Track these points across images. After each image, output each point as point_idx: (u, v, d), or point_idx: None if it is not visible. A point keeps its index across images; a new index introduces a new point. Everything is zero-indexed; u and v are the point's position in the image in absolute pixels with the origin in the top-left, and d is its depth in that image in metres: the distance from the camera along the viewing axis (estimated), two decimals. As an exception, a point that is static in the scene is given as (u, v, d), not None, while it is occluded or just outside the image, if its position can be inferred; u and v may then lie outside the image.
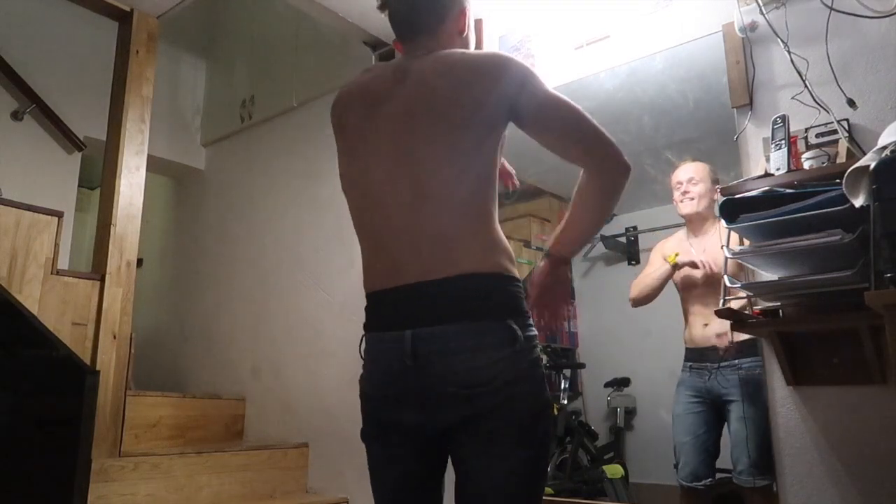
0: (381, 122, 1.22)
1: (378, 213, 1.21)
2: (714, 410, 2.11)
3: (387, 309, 1.19)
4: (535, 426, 1.13)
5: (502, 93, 1.18)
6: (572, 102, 1.21)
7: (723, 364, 2.08)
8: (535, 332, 1.18)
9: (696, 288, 2.18)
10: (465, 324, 1.11)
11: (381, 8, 1.34)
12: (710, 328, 2.10)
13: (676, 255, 2.23)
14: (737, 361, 2.05)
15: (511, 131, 1.27)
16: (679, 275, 2.24)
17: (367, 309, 1.24)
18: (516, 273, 1.19)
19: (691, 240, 2.23)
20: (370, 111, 1.24)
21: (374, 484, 1.24)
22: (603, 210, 1.23)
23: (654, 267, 2.31)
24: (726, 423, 2.08)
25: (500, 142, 1.25)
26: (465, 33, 1.34)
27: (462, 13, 1.33)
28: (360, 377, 1.26)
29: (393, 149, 1.20)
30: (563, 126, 1.21)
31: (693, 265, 2.19)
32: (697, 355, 2.16)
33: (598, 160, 1.20)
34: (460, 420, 1.12)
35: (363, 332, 1.25)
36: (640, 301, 2.32)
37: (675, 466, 2.13)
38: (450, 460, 1.22)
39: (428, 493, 1.22)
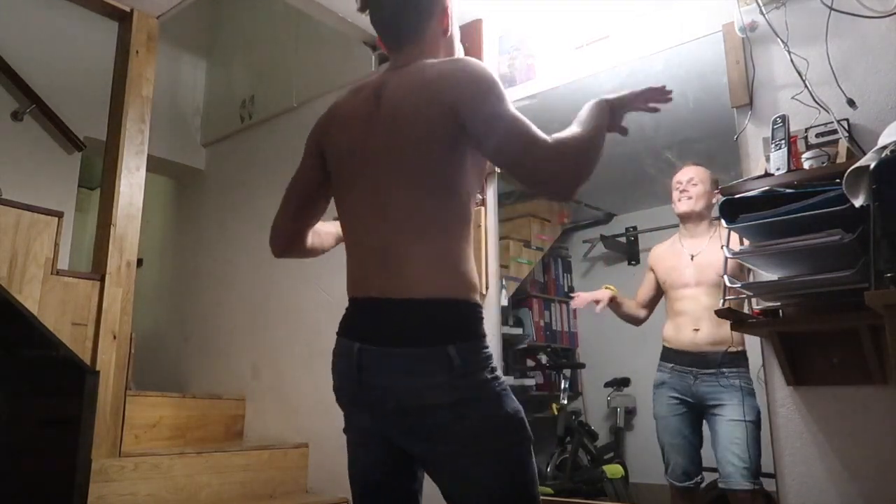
0: (360, 143, 1.23)
1: (356, 230, 1.25)
2: (695, 411, 2.13)
3: (349, 317, 1.24)
4: (496, 439, 1.13)
5: (453, 96, 1.14)
6: (524, 124, 1.10)
7: (707, 371, 2.09)
8: (485, 353, 1.15)
9: (688, 288, 2.18)
10: (403, 349, 1.13)
11: (362, 9, 1.32)
12: (702, 335, 2.11)
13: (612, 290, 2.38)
14: (725, 370, 2.07)
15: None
16: (665, 275, 2.25)
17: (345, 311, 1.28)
18: (470, 296, 1.17)
19: (684, 241, 2.23)
20: (353, 134, 1.26)
21: (350, 474, 1.28)
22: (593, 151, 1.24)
23: (644, 283, 2.34)
24: (708, 426, 2.10)
25: (471, 160, 1.19)
26: (449, 33, 1.32)
27: (444, 13, 1.31)
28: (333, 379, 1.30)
29: (367, 172, 1.22)
30: (498, 145, 1.11)
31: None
32: (683, 358, 2.16)
33: (561, 190, 1.14)
34: (407, 430, 1.15)
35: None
36: (637, 324, 2.40)
37: (665, 468, 2.14)
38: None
39: (400, 481, 1.24)
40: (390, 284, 1.16)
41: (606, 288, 2.39)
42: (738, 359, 2.06)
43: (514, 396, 1.17)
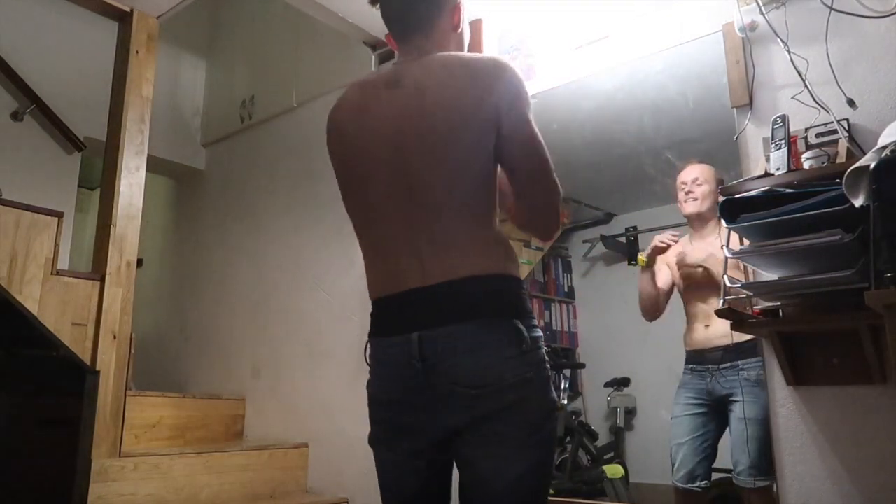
0: (377, 130, 1.21)
1: (379, 224, 1.21)
2: (715, 412, 2.10)
3: (392, 314, 1.19)
4: (543, 427, 1.13)
5: (497, 97, 1.17)
6: (546, 153, 1.21)
7: (724, 366, 2.08)
8: (540, 333, 1.17)
9: (698, 289, 2.18)
10: (471, 323, 1.11)
11: (373, 2, 1.33)
12: (712, 329, 2.10)
13: (645, 257, 2.27)
14: (739, 363, 2.05)
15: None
16: (679, 275, 2.24)
17: (372, 315, 1.24)
18: (518, 272, 1.19)
19: (695, 243, 2.23)
20: (364, 123, 1.23)
21: (383, 488, 1.24)
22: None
23: (662, 271, 2.31)
24: (728, 424, 2.08)
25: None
26: (460, 29, 1.32)
27: (456, 8, 1.31)
28: (367, 383, 1.25)
29: (389, 158, 1.19)
30: (527, 171, 1.20)
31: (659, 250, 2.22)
32: (698, 357, 2.16)
33: (534, 223, 1.25)
34: (468, 421, 1.12)
35: (367, 339, 1.25)
36: (650, 314, 2.31)
37: (672, 468, 2.13)
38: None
39: (436, 495, 1.22)
40: (436, 270, 1.13)
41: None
42: (751, 349, 2.02)
43: None
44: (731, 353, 2.06)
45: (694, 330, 2.18)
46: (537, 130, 1.20)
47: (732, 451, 2.02)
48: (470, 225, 1.16)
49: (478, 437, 1.12)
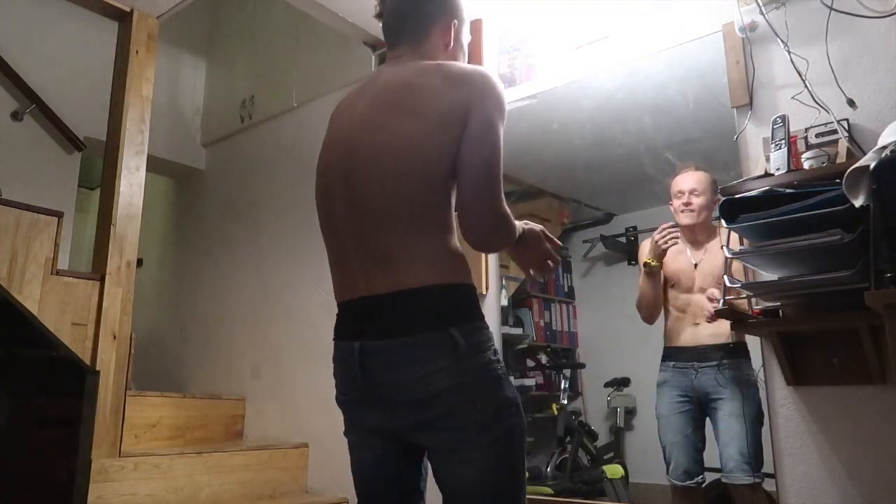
0: (337, 133, 1.24)
1: (331, 226, 1.25)
2: (698, 408, 2.12)
3: (342, 320, 1.24)
4: (495, 426, 1.14)
5: (459, 102, 1.16)
6: (496, 164, 1.17)
7: (709, 364, 2.09)
8: (486, 335, 1.17)
9: (691, 293, 2.18)
10: (404, 338, 1.13)
11: (378, 17, 1.35)
12: (702, 328, 2.10)
13: (654, 261, 2.21)
14: (725, 362, 2.07)
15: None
16: (674, 277, 2.24)
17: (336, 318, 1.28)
18: (465, 279, 1.18)
19: (688, 248, 2.23)
20: (333, 125, 1.27)
21: (353, 475, 1.28)
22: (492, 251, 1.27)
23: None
24: (710, 421, 2.10)
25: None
26: (451, 48, 1.32)
27: (448, 27, 1.31)
28: (335, 385, 1.29)
29: (340, 162, 1.22)
30: (470, 177, 1.16)
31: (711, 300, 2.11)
32: (679, 354, 2.16)
33: (470, 231, 1.18)
34: (416, 424, 1.15)
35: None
36: (650, 316, 2.28)
37: (667, 467, 2.14)
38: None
39: (404, 482, 1.24)
40: (382, 280, 1.15)
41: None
42: (738, 351, 2.05)
43: (511, 382, 1.19)
44: (720, 353, 2.07)
45: (681, 327, 2.18)
46: (499, 140, 1.17)
47: (721, 450, 2.03)
48: (414, 236, 1.16)
49: (433, 446, 1.16)
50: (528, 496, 1.20)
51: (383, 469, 1.23)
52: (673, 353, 2.20)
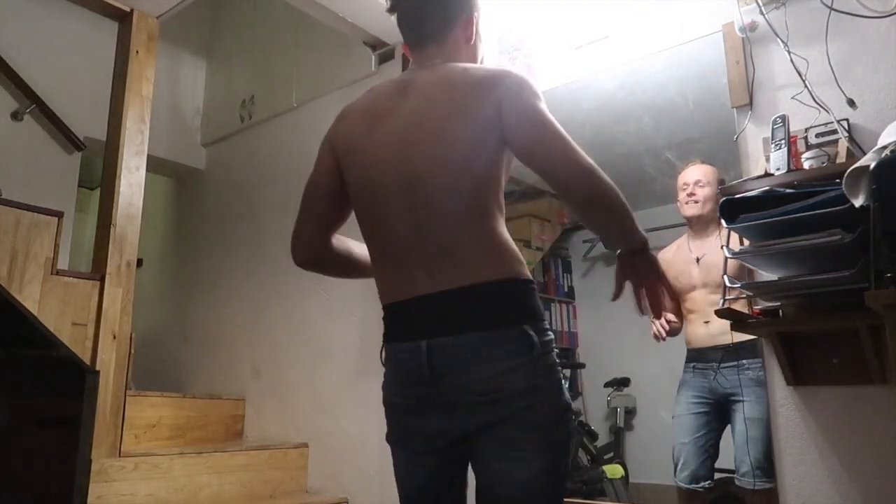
0: (385, 136, 1.23)
1: (385, 226, 1.22)
2: (717, 411, 2.10)
3: (402, 320, 1.21)
4: (556, 430, 1.14)
5: (498, 95, 1.17)
6: (561, 131, 1.14)
7: (726, 364, 2.08)
8: (551, 335, 1.17)
9: (695, 290, 2.18)
10: (479, 333, 1.11)
11: (391, 11, 1.35)
12: (712, 326, 2.09)
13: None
14: (745, 362, 2.04)
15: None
16: (674, 280, 2.24)
17: (384, 319, 1.26)
18: (528, 275, 1.19)
19: (691, 244, 2.22)
20: (374, 128, 1.25)
21: (400, 487, 1.26)
22: (612, 219, 1.17)
23: None
24: (730, 424, 2.07)
25: (507, 154, 1.22)
26: (473, 41, 1.34)
27: (470, 21, 1.33)
28: (382, 385, 1.27)
29: (395, 162, 1.20)
30: (542, 152, 1.14)
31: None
32: (700, 355, 2.15)
33: (577, 199, 1.14)
34: (479, 425, 1.13)
35: (382, 342, 1.26)
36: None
37: (675, 468, 2.13)
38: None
39: (452, 495, 1.23)
40: (444, 277, 1.14)
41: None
42: (753, 348, 2.02)
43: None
44: (734, 351, 2.05)
45: (693, 327, 2.18)
46: (551, 116, 1.16)
47: (735, 452, 2.02)
48: (474, 229, 1.16)
49: (489, 441, 1.13)
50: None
51: (430, 486, 1.22)
52: (693, 355, 2.19)
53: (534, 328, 1.12)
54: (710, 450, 2.10)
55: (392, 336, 1.22)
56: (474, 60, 1.36)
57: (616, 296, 1.22)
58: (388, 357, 1.23)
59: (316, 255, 1.36)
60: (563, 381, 1.16)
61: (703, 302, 2.13)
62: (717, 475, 2.07)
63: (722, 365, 2.08)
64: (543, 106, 1.18)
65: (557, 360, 1.16)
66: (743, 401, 2.03)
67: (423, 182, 1.17)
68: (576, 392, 2.71)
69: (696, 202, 2.18)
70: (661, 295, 1.21)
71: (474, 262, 1.14)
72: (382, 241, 1.24)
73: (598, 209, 1.15)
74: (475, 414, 1.12)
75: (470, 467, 1.22)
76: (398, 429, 1.24)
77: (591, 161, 1.12)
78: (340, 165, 1.30)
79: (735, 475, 2.00)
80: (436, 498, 1.22)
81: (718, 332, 2.08)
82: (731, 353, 2.06)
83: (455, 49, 1.31)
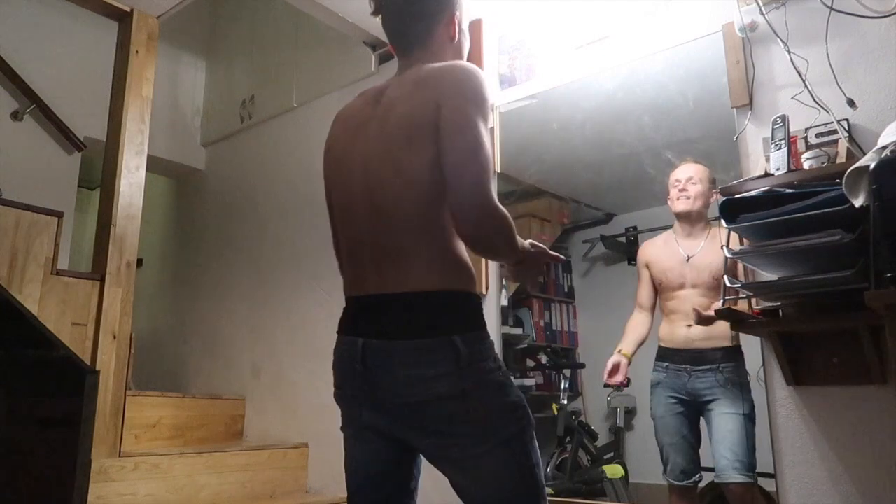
0: (358, 145, 1.26)
1: (347, 229, 1.27)
2: (692, 409, 2.13)
3: (348, 315, 1.26)
4: (504, 427, 1.15)
5: (437, 95, 1.17)
6: (484, 151, 1.13)
7: (702, 367, 2.09)
8: (487, 344, 1.18)
9: (683, 289, 2.18)
10: (408, 341, 1.14)
11: (375, 13, 1.37)
12: (695, 330, 2.10)
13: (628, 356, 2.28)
14: (721, 366, 2.07)
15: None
16: (661, 275, 2.24)
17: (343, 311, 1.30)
18: (469, 288, 1.20)
19: (680, 241, 2.22)
20: (352, 135, 1.28)
21: (345, 469, 1.29)
22: (494, 255, 1.25)
23: (642, 283, 2.31)
24: (704, 422, 2.11)
25: None
26: (457, 39, 1.35)
27: (451, 20, 1.34)
28: (333, 380, 1.30)
29: (361, 172, 1.24)
30: (450, 163, 1.13)
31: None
32: (677, 356, 2.16)
33: (463, 232, 1.16)
34: (414, 428, 1.16)
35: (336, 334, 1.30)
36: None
37: (664, 467, 2.14)
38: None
39: (395, 480, 1.24)
40: (390, 280, 1.17)
41: (619, 353, 2.30)
42: (733, 354, 2.06)
43: (515, 385, 1.20)
44: (714, 356, 2.07)
45: (674, 328, 2.18)
46: (478, 134, 1.14)
47: (713, 449, 2.04)
48: (421, 237, 1.18)
49: (433, 443, 1.17)
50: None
51: (375, 465, 1.23)
52: (667, 355, 2.20)
53: (463, 339, 1.13)
54: (695, 444, 2.13)
55: (340, 327, 1.27)
56: (460, 55, 1.36)
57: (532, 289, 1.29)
58: (334, 348, 1.27)
59: None
60: (505, 384, 1.17)
61: (689, 303, 2.12)
62: (708, 476, 2.09)
63: (698, 368, 2.10)
64: (476, 113, 1.15)
65: (497, 366, 1.17)
66: (717, 399, 2.06)
67: (379, 192, 1.20)
68: (576, 392, 2.71)
69: (688, 198, 2.19)
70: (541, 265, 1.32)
71: (417, 271, 1.16)
72: (348, 241, 1.28)
73: (482, 249, 1.23)
74: (404, 417, 1.16)
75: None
76: (343, 415, 1.28)
77: (493, 201, 1.13)
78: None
79: (715, 472, 2.02)
80: (375, 479, 1.24)
81: (698, 336, 2.09)
82: (709, 357, 2.08)
83: (440, 49, 1.32)
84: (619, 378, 2.28)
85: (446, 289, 1.17)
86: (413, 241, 1.17)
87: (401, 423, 1.17)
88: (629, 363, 2.28)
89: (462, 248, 1.21)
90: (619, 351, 2.29)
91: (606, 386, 2.32)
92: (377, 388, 1.16)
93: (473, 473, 1.14)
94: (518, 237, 1.21)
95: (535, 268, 1.32)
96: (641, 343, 2.30)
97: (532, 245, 1.28)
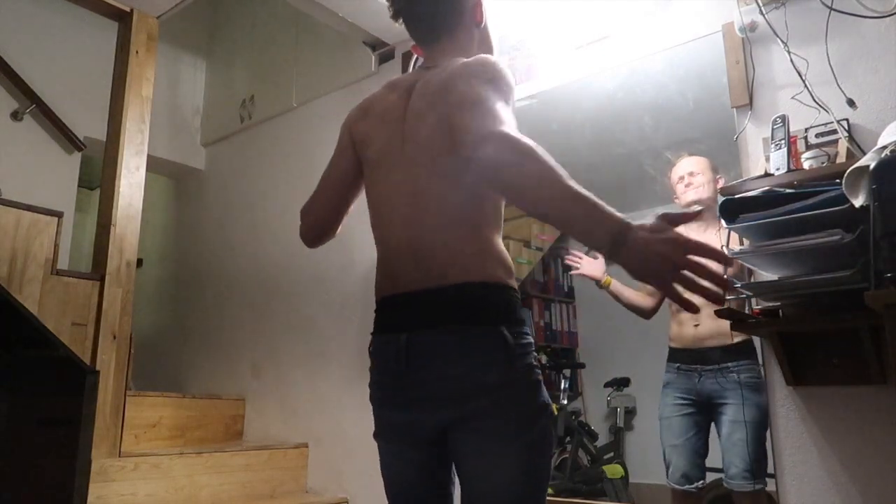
0: (393, 138, 1.26)
1: (385, 225, 1.26)
2: (703, 411, 2.11)
3: (387, 313, 1.24)
4: (531, 428, 1.14)
5: (457, 81, 1.17)
6: (492, 103, 1.08)
7: (712, 367, 2.08)
8: (529, 339, 1.18)
9: None
10: (456, 330, 1.13)
11: (395, 17, 1.37)
12: (702, 329, 2.10)
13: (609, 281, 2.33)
14: (730, 365, 2.05)
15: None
16: None
17: (375, 313, 1.28)
18: (511, 282, 1.20)
19: (689, 233, 2.21)
20: (389, 128, 1.28)
21: (385, 480, 1.28)
22: (535, 199, 0.97)
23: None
24: (715, 425, 2.08)
25: None
26: (483, 23, 1.37)
27: (478, 4, 1.36)
28: (369, 383, 1.29)
29: (400, 164, 1.24)
30: (459, 126, 1.08)
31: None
32: (686, 356, 2.15)
33: (482, 168, 1.03)
34: (454, 420, 1.15)
35: (371, 335, 1.29)
36: (641, 315, 2.33)
37: (666, 469, 2.13)
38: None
39: (436, 487, 1.24)
40: (432, 275, 1.16)
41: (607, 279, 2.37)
42: (743, 351, 2.03)
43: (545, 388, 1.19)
44: (723, 355, 2.06)
45: (682, 328, 2.18)
46: (490, 100, 1.09)
47: (724, 454, 2.02)
48: (463, 232, 1.18)
49: (465, 436, 1.15)
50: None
51: (420, 481, 1.23)
52: (677, 355, 2.18)
53: (509, 331, 1.13)
54: (701, 450, 2.11)
55: (377, 328, 1.26)
56: (487, 41, 1.39)
57: (688, 308, 0.97)
58: (371, 349, 1.26)
59: (323, 236, 1.42)
60: (541, 383, 1.17)
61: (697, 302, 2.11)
62: (712, 476, 2.07)
63: (708, 368, 2.08)
64: (490, 91, 1.11)
65: (535, 364, 1.18)
66: (728, 403, 2.03)
67: (419, 185, 1.20)
68: (576, 392, 2.71)
69: (696, 188, 2.18)
70: (702, 268, 0.92)
71: (459, 264, 1.16)
72: (383, 238, 1.27)
73: (487, 170, 1.00)
74: (449, 407, 1.14)
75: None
76: (381, 423, 1.26)
77: (504, 129, 1.00)
78: (359, 157, 1.34)
79: (724, 477, 2.00)
80: (421, 494, 1.24)
81: (707, 334, 2.08)
82: (720, 356, 2.07)
83: (467, 36, 1.34)
84: (582, 263, 2.36)
85: (488, 280, 1.16)
86: (456, 235, 1.17)
87: (440, 415, 1.15)
88: (602, 281, 2.35)
89: (498, 240, 1.21)
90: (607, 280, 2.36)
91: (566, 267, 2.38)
92: (421, 380, 1.15)
93: (494, 468, 1.13)
94: (598, 201, 0.93)
95: (656, 254, 0.91)
96: (628, 302, 2.33)
97: (662, 218, 0.93)
